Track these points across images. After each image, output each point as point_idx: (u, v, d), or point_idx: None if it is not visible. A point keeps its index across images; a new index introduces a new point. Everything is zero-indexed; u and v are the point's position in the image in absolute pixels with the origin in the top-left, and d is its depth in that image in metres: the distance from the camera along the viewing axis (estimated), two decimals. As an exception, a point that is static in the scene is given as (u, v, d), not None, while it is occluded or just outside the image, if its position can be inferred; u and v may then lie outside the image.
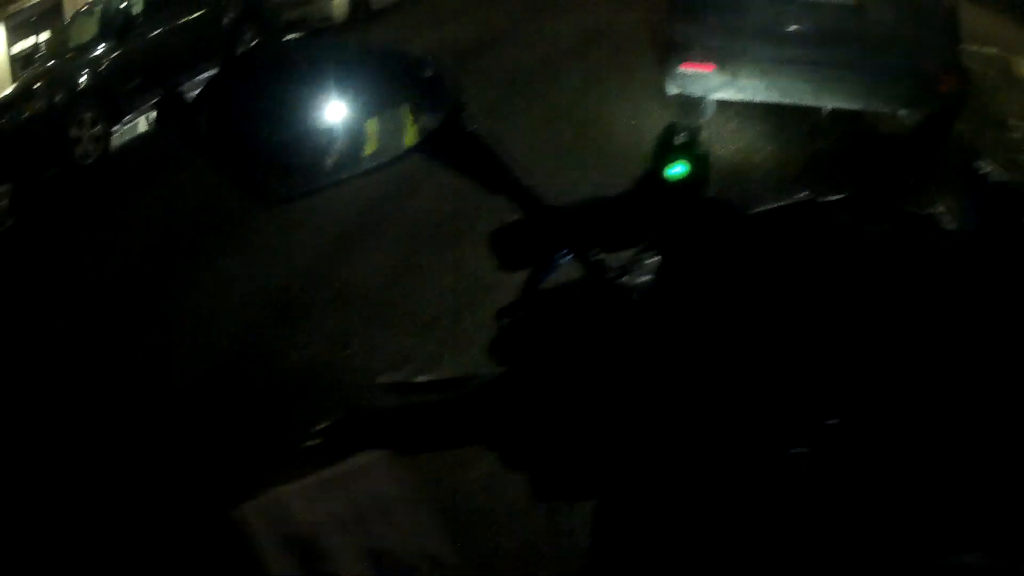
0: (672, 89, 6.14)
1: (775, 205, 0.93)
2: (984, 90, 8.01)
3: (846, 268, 0.87)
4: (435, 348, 4.21)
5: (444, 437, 0.98)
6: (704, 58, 5.83)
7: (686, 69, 5.91)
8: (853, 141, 6.29)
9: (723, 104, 6.40)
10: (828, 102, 5.93)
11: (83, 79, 8.97)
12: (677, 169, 0.92)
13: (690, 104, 6.34)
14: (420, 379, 0.92)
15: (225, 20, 10.14)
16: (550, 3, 11.35)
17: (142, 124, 9.40)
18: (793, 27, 5.77)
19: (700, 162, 0.94)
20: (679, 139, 0.96)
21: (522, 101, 7.61)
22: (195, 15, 10.15)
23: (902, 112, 6.09)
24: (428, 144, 0.84)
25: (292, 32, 11.68)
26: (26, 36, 13.34)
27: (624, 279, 0.91)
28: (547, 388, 0.86)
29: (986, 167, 1.17)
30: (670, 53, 6.01)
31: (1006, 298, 0.84)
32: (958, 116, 6.04)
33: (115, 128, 9.14)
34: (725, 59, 5.77)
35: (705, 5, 5.90)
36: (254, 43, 10.53)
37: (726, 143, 6.18)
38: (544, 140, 6.15)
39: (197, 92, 0.83)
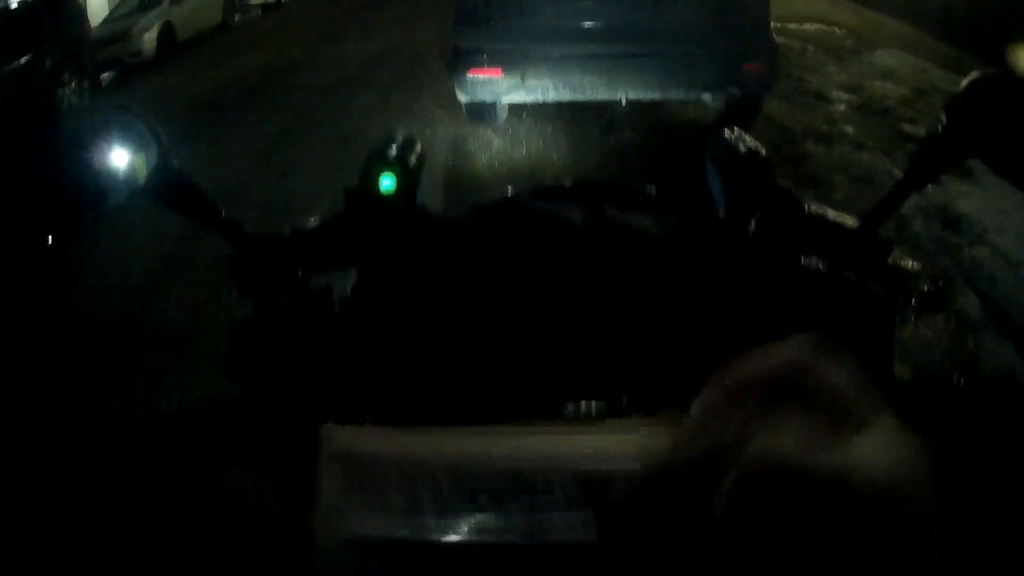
0: (463, 97, 6.10)
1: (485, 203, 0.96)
2: (805, 66, 8.47)
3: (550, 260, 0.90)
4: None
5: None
6: (491, 63, 5.79)
7: (474, 76, 5.86)
8: (654, 131, 6.44)
9: (517, 106, 6.47)
10: (624, 94, 5.89)
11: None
12: (386, 183, 0.93)
13: (482, 109, 6.36)
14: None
15: (46, 64, 9.71)
16: (343, 30, 11.69)
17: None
18: (580, 23, 5.71)
19: (409, 174, 0.95)
20: (391, 152, 0.97)
21: (308, 127, 7.51)
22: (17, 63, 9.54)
23: (705, 96, 6.13)
24: (145, 189, 0.84)
25: (106, 71, 11.75)
26: None
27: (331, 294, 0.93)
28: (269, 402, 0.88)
29: (732, 136, 1.16)
30: (457, 61, 5.97)
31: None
32: (766, 95, 6.13)
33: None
34: (511, 62, 5.74)
35: (488, 10, 5.87)
36: (72, 83, 10.09)
37: (521, 145, 6.23)
38: (329, 164, 6.00)
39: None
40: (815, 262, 0.94)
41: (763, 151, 1.08)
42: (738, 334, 0.68)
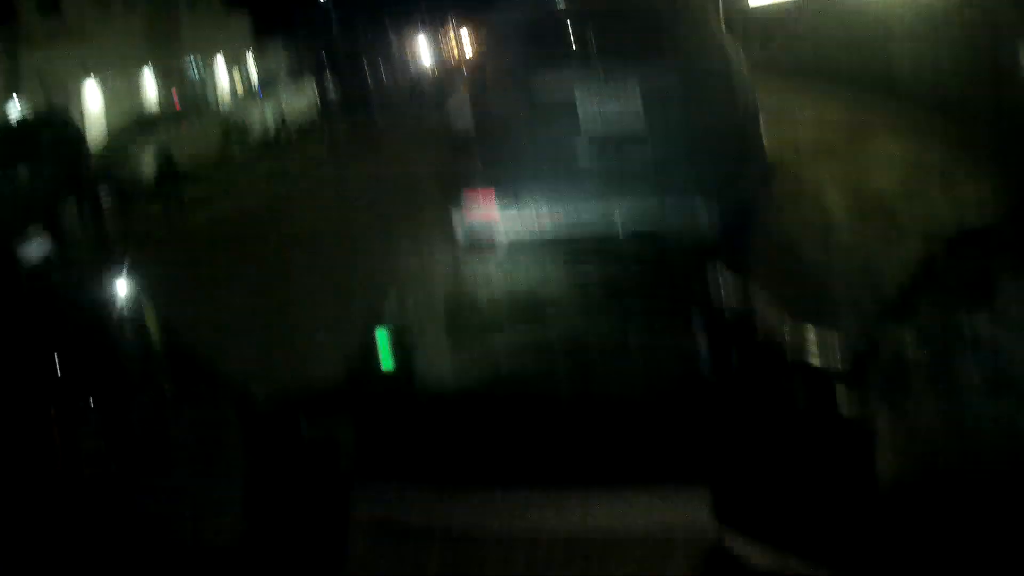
0: (462, 237, 6.11)
1: None
2: None
3: None
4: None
5: None
6: (487, 207, 5.81)
7: (472, 218, 5.89)
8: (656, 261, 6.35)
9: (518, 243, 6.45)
10: (625, 228, 5.84)
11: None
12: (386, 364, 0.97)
13: (482, 248, 6.34)
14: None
15: (44, 178, 9.59)
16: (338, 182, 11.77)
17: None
18: (577, 164, 5.66)
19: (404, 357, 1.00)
20: (383, 339, 0.99)
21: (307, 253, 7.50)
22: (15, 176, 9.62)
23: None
24: None
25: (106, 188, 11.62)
26: None
27: None
28: None
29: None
30: (454, 203, 5.99)
31: None
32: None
33: None
34: (510, 202, 5.77)
35: (484, 151, 5.90)
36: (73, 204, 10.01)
37: (520, 280, 6.15)
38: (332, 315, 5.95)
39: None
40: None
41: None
42: None
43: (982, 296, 0.90)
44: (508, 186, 5.81)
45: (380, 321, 1.03)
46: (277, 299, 6.62)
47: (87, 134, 12.77)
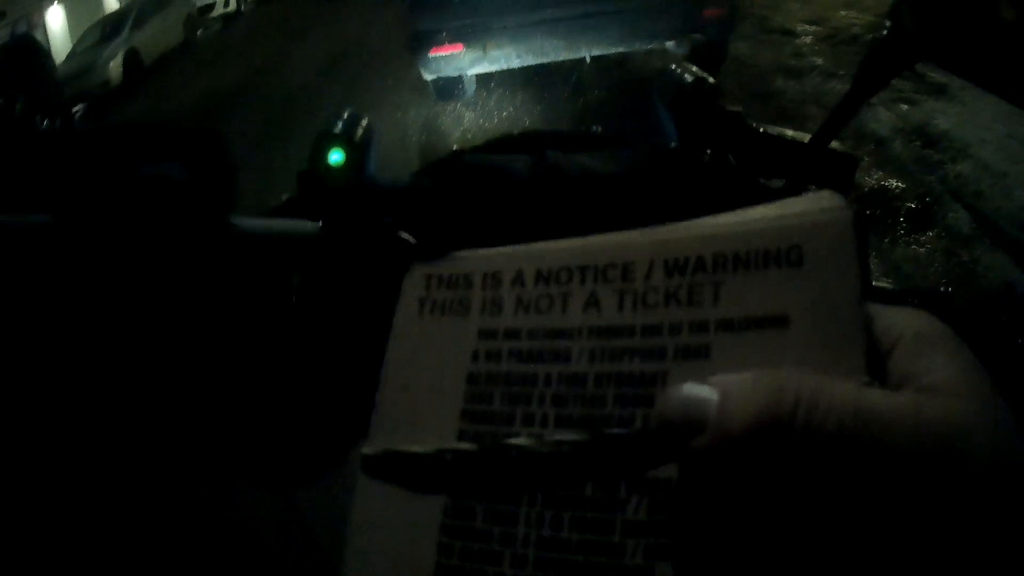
0: (428, 76, 6.06)
1: None
2: (766, 4, 8.39)
3: None
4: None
5: None
6: (451, 39, 5.76)
7: (436, 54, 5.83)
8: (623, 85, 6.39)
9: (484, 77, 6.43)
10: (588, 52, 5.83)
11: None
12: (334, 157, 0.90)
13: (450, 86, 6.32)
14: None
15: (17, 111, 9.64)
16: (303, 33, 11.75)
17: None
18: (544, 11, 5.59)
19: (356, 147, 0.92)
20: (337, 128, 0.95)
21: (281, 130, 7.48)
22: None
23: (669, 45, 6.09)
24: None
25: (76, 104, 11.34)
26: None
27: None
28: None
29: (677, 69, 1.13)
30: (418, 43, 5.92)
31: None
32: (730, 37, 6.02)
33: None
34: (471, 36, 5.72)
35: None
36: (44, 123, 9.90)
37: (492, 115, 6.20)
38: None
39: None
40: (775, 183, 0.91)
41: (710, 79, 1.04)
42: None
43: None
44: (474, 36, 5.79)
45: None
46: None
47: (53, 56, 12.59)
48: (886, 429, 0.30)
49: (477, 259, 0.47)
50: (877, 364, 0.34)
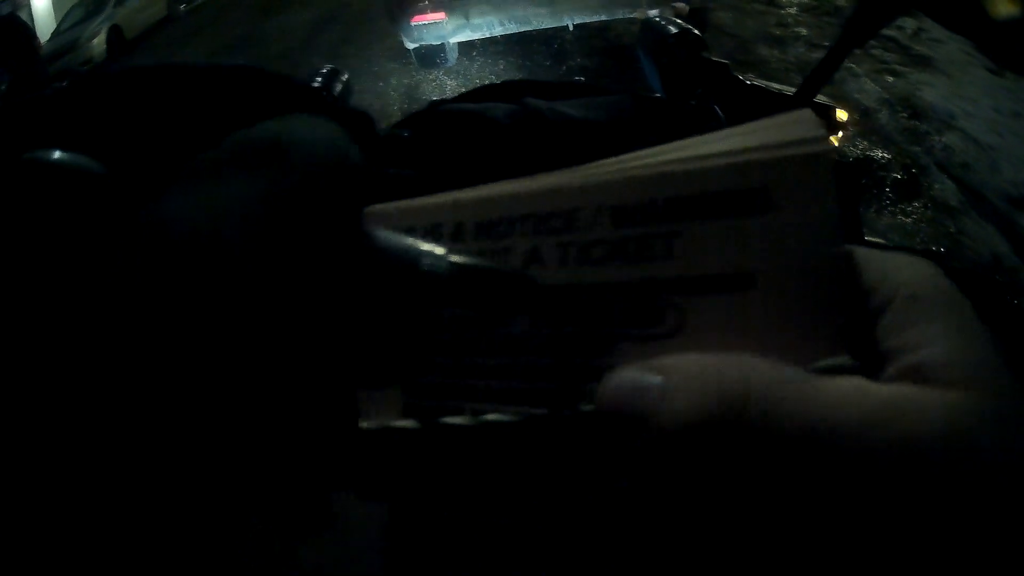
0: (410, 44, 6.00)
1: None
2: None
3: None
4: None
5: None
6: (433, 7, 5.70)
7: (418, 22, 5.77)
8: (605, 52, 6.33)
9: (466, 45, 6.37)
10: (571, 19, 5.82)
11: None
12: None
13: (431, 54, 6.26)
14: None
15: (1, 88, 9.65)
16: (283, 5, 11.78)
17: None
18: None
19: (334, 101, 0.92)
20: (316, 83, 0.96)
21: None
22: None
23: (652, 13, 6.07)
24: None
25: (60, 82, 11.31)
26: None
27: None
28: None
29: (661, 21, 1.08)
30: (400, 11, 5.85)
31: None
32: (713, 5, 5.96)
33: None
34: (454, 3, 5.67)
35: None
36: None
37: (474, 82, 6.13)
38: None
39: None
40: None
41: (694, 30, 1.00)
42: None
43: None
44: (456, 3, 5.75)
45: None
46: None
47: (38, 35, 12.60)
48: (857, 435, 0.25)
49: (419, 208, 0.42)
50: (864, 324, 0.28)
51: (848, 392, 0.26)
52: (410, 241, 0.34)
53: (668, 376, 0.28)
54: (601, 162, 0.36)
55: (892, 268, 0.29)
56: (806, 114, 0.31)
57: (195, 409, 0.31)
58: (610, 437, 0.29)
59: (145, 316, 0.28)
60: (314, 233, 0.30)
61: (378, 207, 0.44)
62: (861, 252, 0.30)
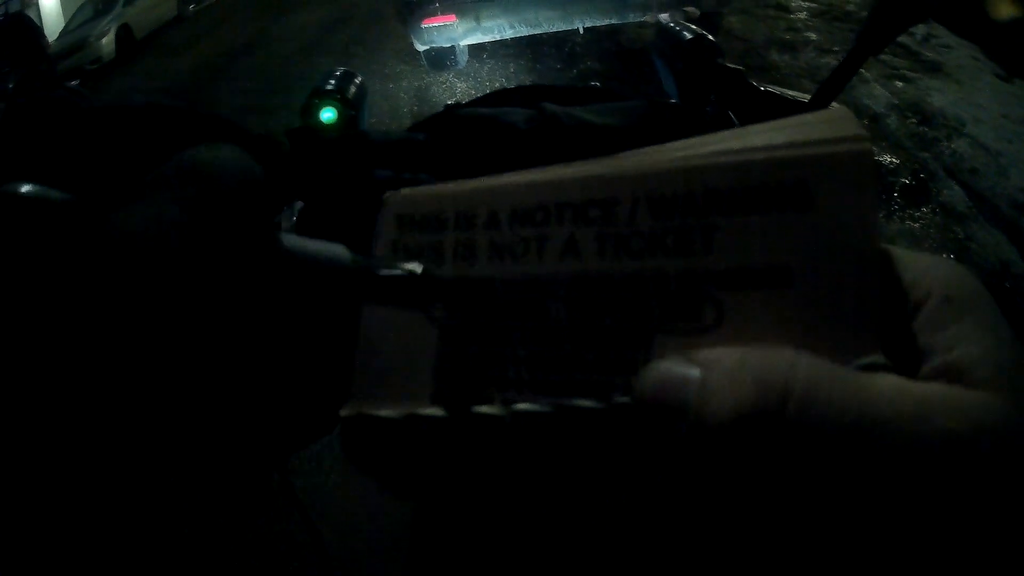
0: (421, 46, 6.02)
1: None
2: None
3: None
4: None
5: None
6: (444, 10, 5.72)
7: (429, 24, 5.78)
8: (616, 56, 6.34)
9: (477, 48, 6.38)
10: (581, 22, 5.77)
11: None
12: (327, 114, 0.91)
13: (442, 56, 6.27)
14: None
15: (8, 86, 9.74)
16: (294, 5, 11.75)
17: None
18: None
19: (349, 104, 0.93)
20: (330, 86, 0.94)
21: (280, 99, 7.43)
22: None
23: (663, 17, 6.08)
24: None
25: (70, 80, 11.47)
26: None
27: None
28: None
29: (676, 27, 1.10)
30: (410, 13, 5.87)
31: None
32: (724, 10, 6.00)
33: None
34: (465, 6, 5.68)
35: None
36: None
37: (485, 85, 6.15)
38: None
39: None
40: None
41: (709, 36, 1.02)
42: None
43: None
44: (467, 6, 5.75)
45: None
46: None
47: (46, 34, 12.60)
48: (903, 430, 0.25)
49: (450, 194, 0.42)
50: (900, 323, 0.29)
51: (889, 388, 0.26)
52: (315, 243, 0.35)
53: (708, 369, 0.28)
54: (638, 151, 0.36)
55: (925, 268, 0.30)
56: (845, 112, 0.31)
57: (156, 398, 0.33)
58: (647, 430, 0.30)
59: (115, 308, 0.31)
60: (231, 233, 0.33)
61: (406, 191, 0.44)
62: (896, 251, 0.30)
